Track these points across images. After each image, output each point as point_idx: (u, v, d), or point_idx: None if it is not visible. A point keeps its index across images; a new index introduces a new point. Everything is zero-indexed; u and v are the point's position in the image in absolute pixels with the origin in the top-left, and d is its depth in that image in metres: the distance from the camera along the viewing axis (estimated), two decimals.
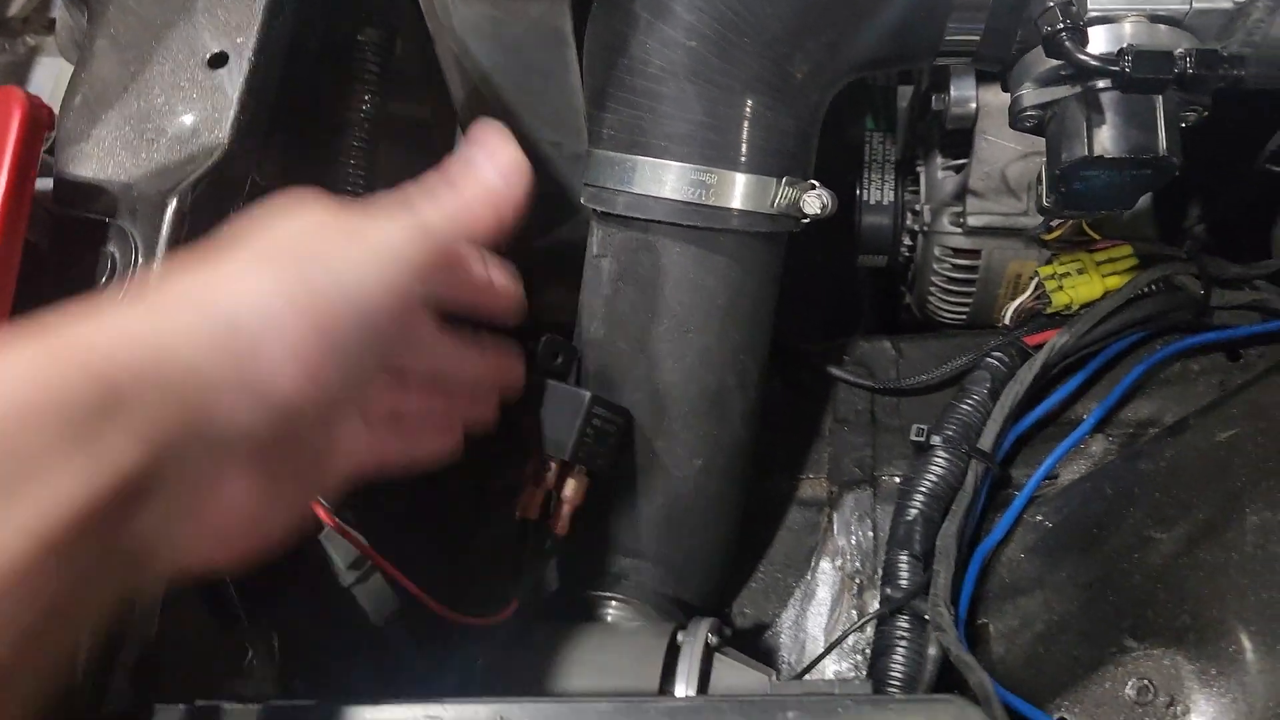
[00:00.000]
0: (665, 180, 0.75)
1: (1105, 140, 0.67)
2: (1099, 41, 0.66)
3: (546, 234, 1.07)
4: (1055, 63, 0.68)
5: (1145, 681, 0.63)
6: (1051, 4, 0.64)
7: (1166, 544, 0.71)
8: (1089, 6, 0.66)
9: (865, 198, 1.09)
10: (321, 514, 0.68)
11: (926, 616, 0.78)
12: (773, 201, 0.76)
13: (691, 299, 0.77)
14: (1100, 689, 0.65)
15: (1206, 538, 0.69)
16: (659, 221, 0.75)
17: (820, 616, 0.91)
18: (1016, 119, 0.74)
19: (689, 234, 0.76)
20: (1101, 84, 0.66)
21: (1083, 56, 0.63)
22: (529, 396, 0.76)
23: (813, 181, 0.78)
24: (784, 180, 0.76)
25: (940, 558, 0.80)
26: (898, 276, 1.14)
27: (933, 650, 0.77)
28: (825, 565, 0.93)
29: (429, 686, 0.76)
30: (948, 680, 0.78)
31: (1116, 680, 0.65)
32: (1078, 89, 0.68)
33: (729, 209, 0.75)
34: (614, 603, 0.81)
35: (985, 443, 0.88)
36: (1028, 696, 0.70)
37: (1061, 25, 0.63)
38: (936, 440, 0.87)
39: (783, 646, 0.90)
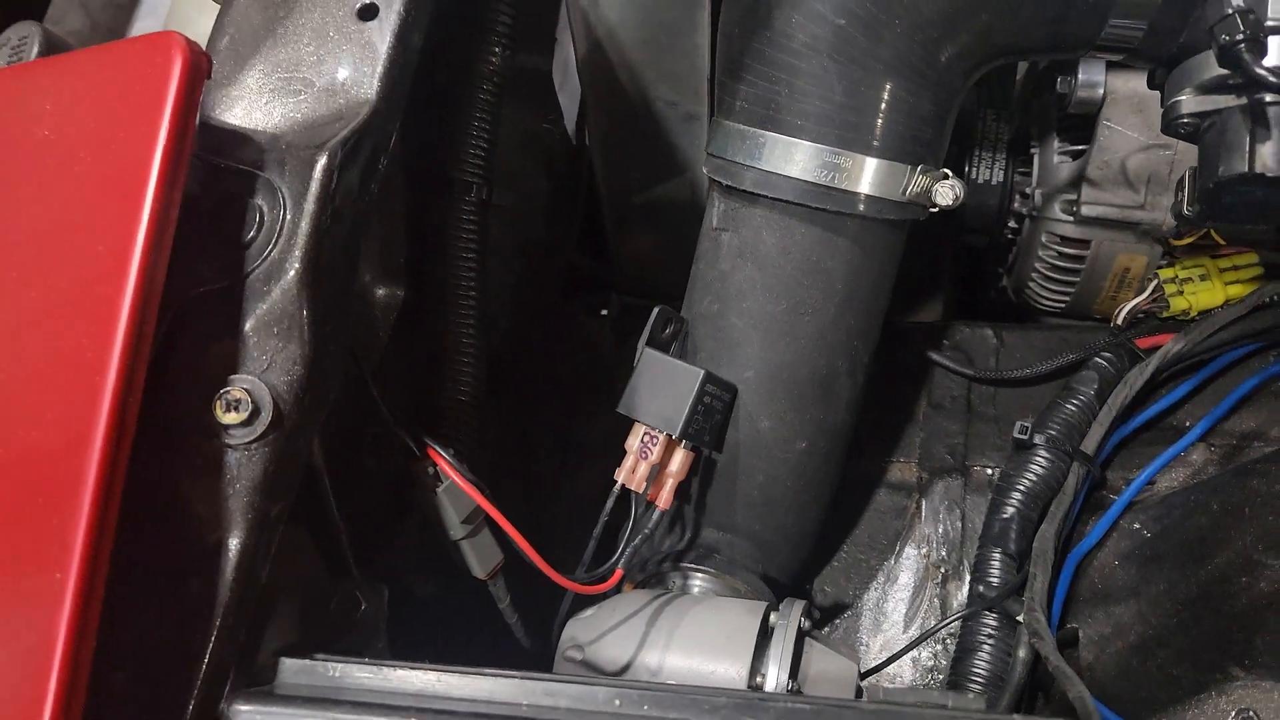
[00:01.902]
0: (796, 159, 0.73)
1: (1269, 158, 0.64)
2: (1275, 53, 0.63)
3: (646, 190, 1.06)
4: (1222, 71, 0.65)
5: (1250, 713, 0.62)
6: (1231, 11, 0.61)
7: (1278, 571, 0.70)
8: (1270, 14, 0.63)
9: (973, 176, 1.06)
10: (445, 466, 0.68)
11: (1018, 618, 0.78)
12: (904, 190, 0.74)
13: (811, 281, 0.75)
14: (1199, 713, 0.65)
15: None
16: (786, 201, 0.74)
17: (901, 602, 0.91)
18: (1170, 124, 0.71)
19: (815, 216, 0.74)
20: (1271, 98, 0.64)
21: (1261, 71, 0.60)
22: (635, 365, 0.76)
23: (945, 170, 0.76)
24: (918, 168, 0.74)
25: (1038, 560, 0.79)
26: (996, 258, 1.12)
27: (1021, 653, 0.77)
28: (910, 551, 0.93)
29: (517, 655, 0.78)
30: (1033, 685, 0.78)
31: (1218, 707, 0.64)
32: (1244, 100, 0.65)
33: (858, 193, 0.74)
34: (703, 576, 0.81)
35: (1089, 445, 0.86)
36: (1119, 709, 0.70)
37: (1241, 35, 0.60)
38: (1039, 439, 0.86)
39: (862, 628, 0.91)
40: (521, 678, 0.53)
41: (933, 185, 0.75)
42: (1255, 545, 0.73)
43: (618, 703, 0.51)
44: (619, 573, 0.71)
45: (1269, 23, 0.63)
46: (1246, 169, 0.65)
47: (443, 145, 0.77)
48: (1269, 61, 0.62)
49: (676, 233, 1.02)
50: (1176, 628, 0.74)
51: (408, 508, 0.72)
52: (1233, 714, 0.64)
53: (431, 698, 0.52)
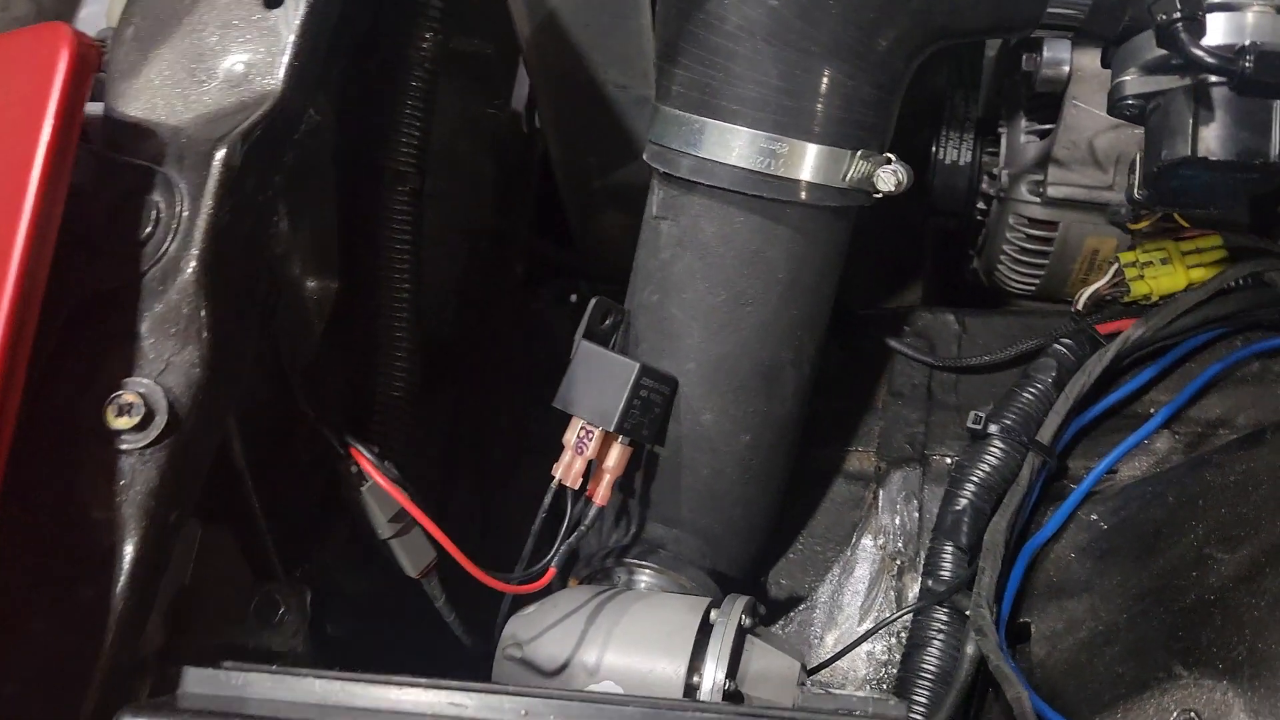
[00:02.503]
0: (733, 146, 0.71)
1: (1211, 141, 0.62)
2: (1217, 32, 0.61)
3: (606, 176, 1.04)
4: (1164, 51, 0.63)
5: (1191, 714, 0.61)
6: None
7: (1228, 565, 0.68)
8: None
9: (941, 157, 1.04)
10: (366, 465, 0.67)
11: (967, 613, 0.76)
12: (845, 175, 0.72)
13: (752, 271, 0.74)
14: (1143, 714, 0.63)
15: (1273, 564, 0.66)
16: (724, 189, 0.72)
17: (857, 595, 0.89)
18: (1115, 106, 0.69)
19: (754, 204, 0.72)
20: (1214, 79, 0.61)
21: (1198, 51, 0.58)
22: (571, 358, 0.74)
23: (889, 155, 0.74)
24: (859, 154, 0.72)
25: (987, 554, 0.78)
26: (967, 241, 1.10)
27: (970, 649, 0.75)
28: (867, 543, 0.91)
29: (459, 651, 0.77)
30: (984, 680, 0.76)
31: (1162, 708, 0.62)
32: (1187, 81, 0.63)
33: (798, 180, 0.72)
34: (648, 572, 0.79)
35: (1045, 435, 0.84)
36: (1065, 709, 0.68)
37: (1177, 14, 0.58)
38: (994, 429, 0.84)
39: (816, 621, 0.89)
40: (427, 686, 0.52)
41: (874, 170, 0.73)
42: (1207, 539, 0.72)
43: (524, 712, 0.50)
44: (551, 571, 0.70)
45: (1209, 0, 0.61)
46: (1189, 152, 0.63)
47: (374, 134, 0.75)
48: (1207, 41, 0.59)
49: (641, 216, 1.00)
50: (1126, 624, 0.72)
51: (338, 506, 0.71)
52: (1175, 713, 0.62)
53: (334, 708, 0.51)
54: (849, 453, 0.94)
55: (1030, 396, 0.86)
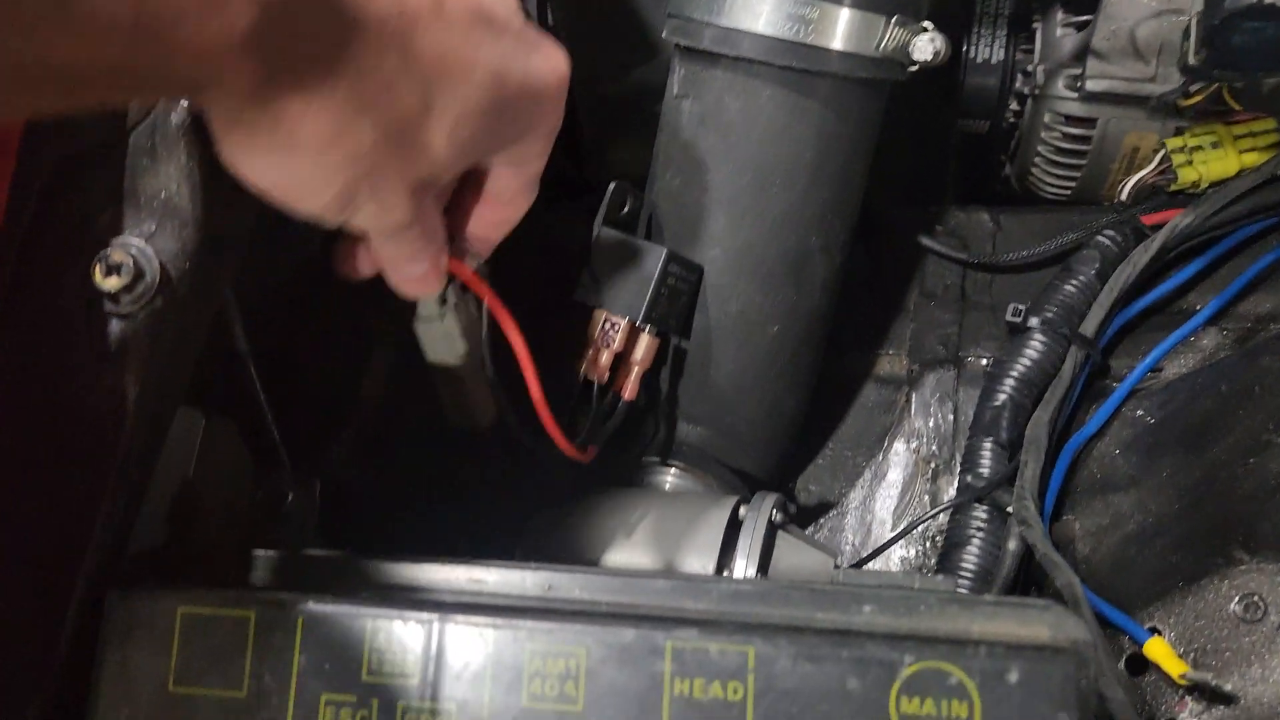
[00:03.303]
0: (760, 12, 0.67)
1: None
2: None
3: (620, 79, 0.99)
4: None
5: (1255, 597, 0.57)
6: None
7: None
8: None
9: (972, 55, 0.98)
10: (466, 274, 0.57)
11: (1008, 509, 0.73)
12: (879, 44, 0.68)
13: (778, 150, 0.69)
14: (1200, 601, 0.60)
15: None
16: (749, 60, 0.68)
17: (890, 500, 0.86)
18: None
19: (782, 76, 0.68)
20: None
21: None
22: (592, 248, 0.70)
23: (925, 23, 0.70)
24: (894, 19, 0.68)
25: (1029, 448, 0.74)
26: (998, 144, 1.05)
27: (1012, 545, 0.72)
28: (899, 447, 0.88)
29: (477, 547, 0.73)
30: (1025, 578, 0.73)
31: (1220, 593, 0.59)
32: None
33: (828, 49, 0.67)
34: (673, 470, 0.76)
35: (1088, 328, 0.80)
36: (1115, 602, 0.65)
37: None
38: (1034, 322, 0.80)
39: (848, 528, 0.86)
40: (448, 563, 0.49)
41: (911, 39, 0.69)
42: (1266, 424, 0.68)
43: (549, 587, 0.47)
44: (593, 449, 0.65)
45: None
46: None
47: None
48: None
49: (653, 123, 0.96)
50: (1177, 515, 0.69)
51: (349, 401, 0.68)
52: (1236, 599, 0.58)
53: (331, 578, 0.48)
54: (879, 356, 0.91)
55: (1072, 289, 0.82)
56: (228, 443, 0.61)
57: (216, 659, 0.43)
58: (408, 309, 0.67)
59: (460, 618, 0.43)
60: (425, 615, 0.43)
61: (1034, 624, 0.44)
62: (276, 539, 0.56)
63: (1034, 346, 0.79)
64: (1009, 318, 0.80)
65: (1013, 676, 0.40)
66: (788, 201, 0.70)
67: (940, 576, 0.50)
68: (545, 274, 0.96)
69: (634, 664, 0.41)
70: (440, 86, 0.43)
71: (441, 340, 0.59)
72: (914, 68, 0.70)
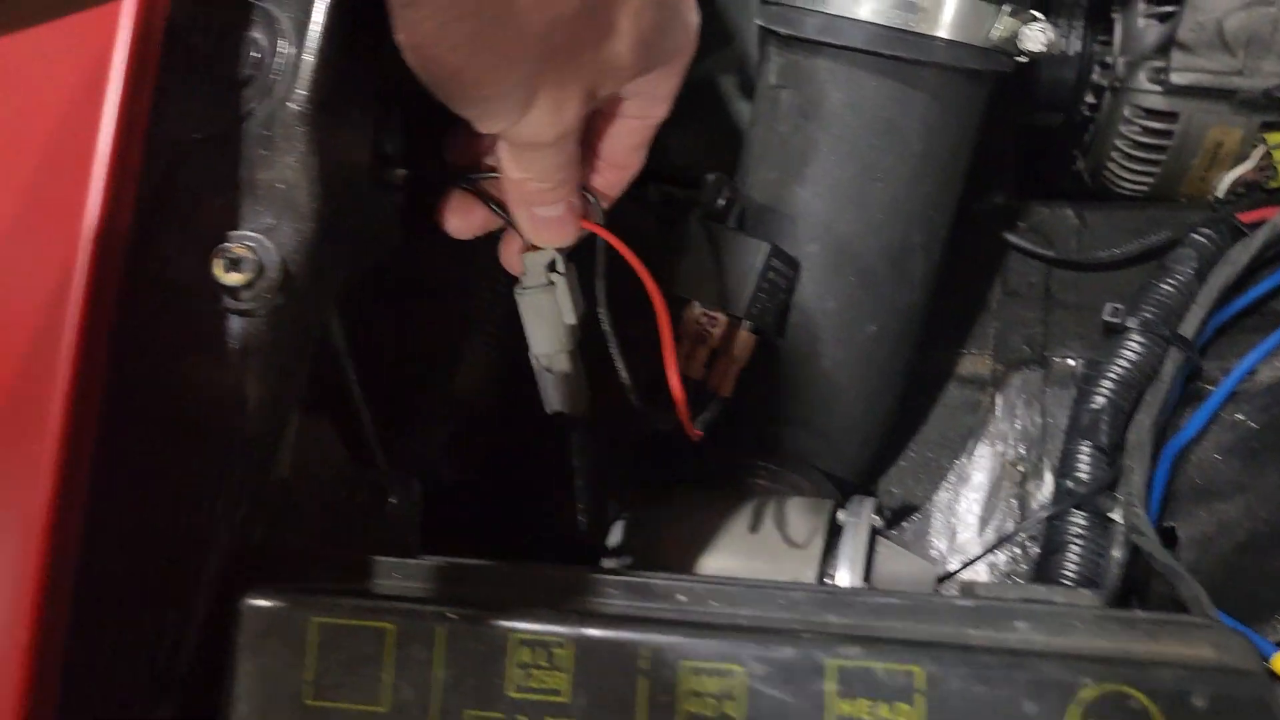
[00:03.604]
0: (864, 0, 0.64)
1: None
2: None
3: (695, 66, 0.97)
4: None
5: None
6: None
7: None
8: None
9: None
10: (595, 229, 0.54)
11: (1112, 515, 0.71)
12: (989, 33, 0.66)
13: (883, 142, 0.67)
14: None
15: None
16: (854, 49, 0.65)
17: (975, 503, 0.84)
18: None
19: (887, 66, 0.66)
20: None
21: None
22: (687, 241, 0.68)
23: (1035, 12, 0.67)
24: (1005, 8, 0.65)
25: (1133, 453, 0.72)
26: (1071, 139, 1.03)
27: (1116, 552, 0.69)
28: (984, 449, 0.85)
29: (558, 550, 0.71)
30: (1126, 588, 0.71)
31: None
32: None
33: (937, 38, 0.65)
34: (765, 471, 0.74)
35: (1187, 329, 0.78)
36: (1231, 613, 0.63)
37: None
38: (1132, 323, 0.78)
39: (932, 531, 0.84)
40: (571, 571, 0.47)
41: (1021, 28, 0.66)
42: None
43: (681, 598, 0.45)
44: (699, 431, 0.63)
45: None
46: None
47: None
48: None
49: (718, 113, 0.93)
50: None
51: (442, 397, 0.66)
52: None
53: (464, 587, 0.46)
54: (962, 355, 0.88)
55: (1170, 288, 0.79)
56: (323, 441, 0.59)
57: (354, 672, 0.41)
58: (503, 285, 0.64)
59: (608, 630, 0.41)
60: (570, 628, 0.41)
61: (1198, 644, 0.42)
62: (381, 541, 0.54)
63: (1132, 348, 0.77)
64: (1107, 317, 0.78)
65: (1199, 701, 0.38)
66: (891, 195, 0.68)
67: (1085, 591, 0.47)
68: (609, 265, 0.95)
69: (795, 683, 0.39)
70: None
71: (547, 313, 0.56)
72: (1022, 58, 0.68)
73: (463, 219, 0.54)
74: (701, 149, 1.02)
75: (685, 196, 0.96)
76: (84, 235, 0.41)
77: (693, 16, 0.49)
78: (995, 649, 0.40)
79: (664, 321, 0.55)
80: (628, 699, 0.40)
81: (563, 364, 0.57)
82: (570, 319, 0.56)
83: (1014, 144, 1.13)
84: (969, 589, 0.51)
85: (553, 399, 0.58)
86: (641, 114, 0.51)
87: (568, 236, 0.51)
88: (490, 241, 0.56)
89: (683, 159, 1.03)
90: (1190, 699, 0.38)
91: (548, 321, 0.56)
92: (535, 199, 0.49)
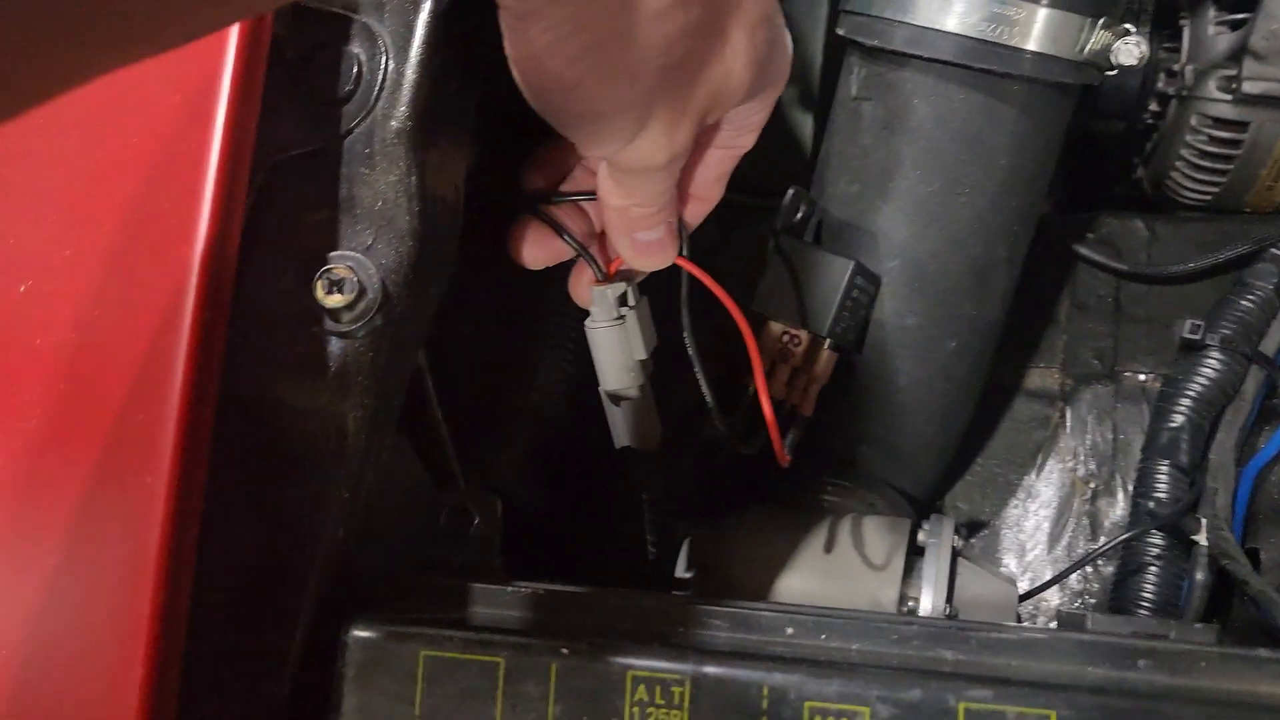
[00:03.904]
0: (955, 10, 0.63)
1: None
2: None
3: None
4: None
5: None
6: None
7: None
8: None
9: None
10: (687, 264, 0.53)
11: (1194, 538, 0.69)
12: (1081, 46, 0.64)
13: (970, 155, 0.66)
14: None
15: None
16: (943, 61, 0.64)
17: (1044, 520, 0.83)
18: None
19: (976, 79, 0.64)
20: None
21: None
22: (769, 256, 0.67)
23: (1128, 26, 0.66)
24: (1098, 21, 0.64)
25: (1216, 474, 0.70)
26: (1132, 147, 1.01)
27: (1199, 575, 0.68)
28: (1053, 465, 0.84)
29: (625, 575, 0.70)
30: (1208, 612, 0.69)
31: None
32: None
33: (1027, 51, 0.63)
34: (834, 489, 0.73)
35: (1268, 347, 0.76)
36: None
37: None
38: (1212, 339, 0.76)
39: (1000, 548, 0.83)
40: (676, 600, 0.46)
41: (1114, 41, 0.65)
42: None
43: (790, 630, 0.44)
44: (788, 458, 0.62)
45: None
46: None
47: None
48: None
49: (777, 120, 0.92)
50: None
51: (520, 408, 0.64)
52: None
53: (567, 617, 0.45)
54: (1030, 369, 0.87)
55: (1250, 304, 0.78)
56: (405, 462, 0.59)
57: (464, 707, 0.40)
58: (577, 311, 0.64)
59: (726, 667, 0.40)
60: (688, 665, 0.40)
61: None
62: (466, 564, 0.53)
63: (1212, 365, 0.76)
64: (1186, 334, 0.76)
65: None
66: (977, 210, 0.67)
67: (1199, 625, 0.46)
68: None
69: None
70: None
71: (618, 347, 0.55)
72: (1113, 72, 0.67)
73: (536, 249, 0.52)
74: (759, 155, 1.01)
75: (742, 203, 0.95)
76: (193, 259, 0.40)
77: (790, 44, 0.47)
78: (1128, 691, 0.39)
79: (752, 346, 0.54)
80: None
81: (633, 398, 0.56)
82: (641, 354, 0.55)
83: (1067, 152, 1.12)
84: (1075, 621, 0.49)
85: (622, 434, 0.57)
86: (730, 144, 0.50)
87: (669, 258, 0.50)
88: (561, 267, 0.55)
89: (741, 165, 1.02)
90: None
91: (619, 356, 0.55)
92: (638, 224, 0.48)
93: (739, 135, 0.49)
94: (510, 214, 0.53)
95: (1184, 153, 0.92)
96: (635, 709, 0.39)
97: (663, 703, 0.39)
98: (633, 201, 0.46)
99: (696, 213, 0.53)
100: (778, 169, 0.83)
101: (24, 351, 0.42)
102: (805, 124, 0.94)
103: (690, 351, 0.54)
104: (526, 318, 0.67)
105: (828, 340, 0.65)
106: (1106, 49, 0.65)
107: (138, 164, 0.42)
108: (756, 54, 0.43)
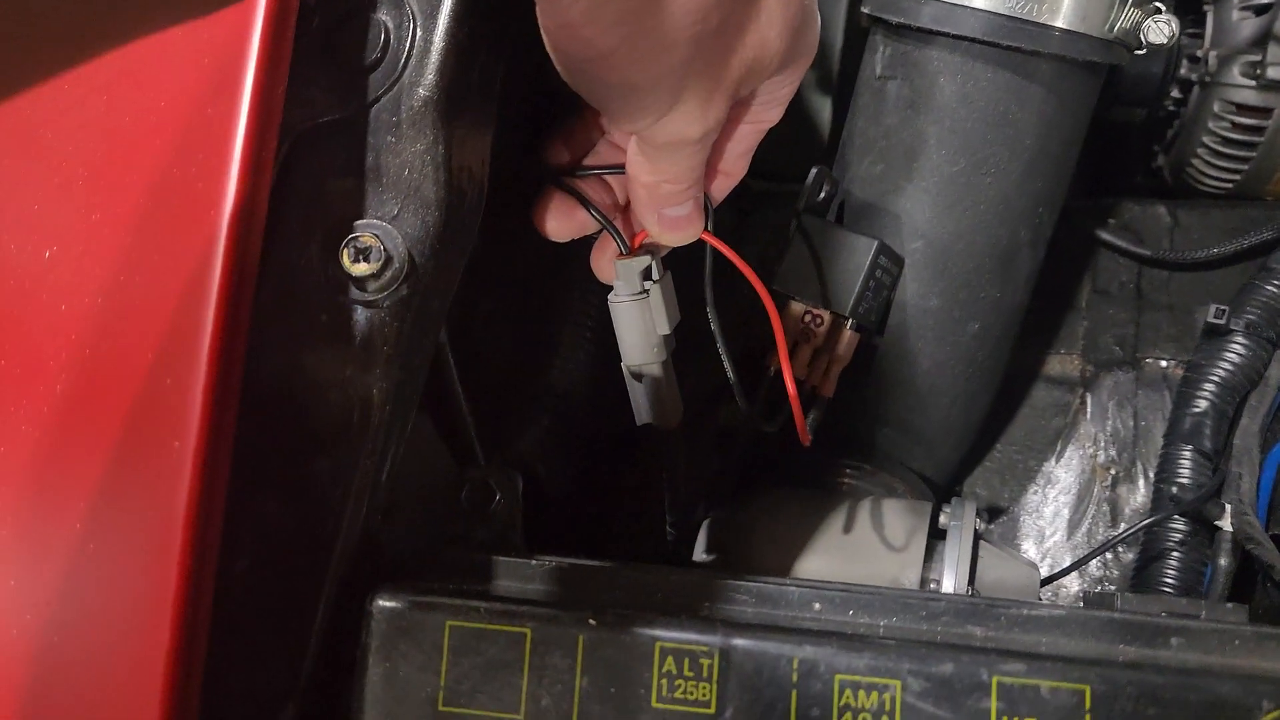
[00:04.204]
0: None
1: None
2: None
3: None
4: None
5: None
6: None
7: None
8: None
9: None
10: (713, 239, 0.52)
11: (1218, 523, 0.69)
12: (1111, 24, 0.63)
13: (996, 135, 0.65)
14: None
15: None
16: (970, 39, 0.63)
17: (1064, 506, 0.82)
18: None
19: (1003, 57, 0.64)
20: None
21: None
22: (791, 235, 0.66)
23: (1159, 4, 0.65)
24: None
25: (1241, 458, 0.70)
26: (1153, 134, 1.00)
27: (1223, 561, 0.68)
28: (1072, 451, 0.83)
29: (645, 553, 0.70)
30: (1232, 597, 0.69)
31: None
32: None
33: (1054, 28, 0.63)
34: (854, 471, 0.73)
35: None
36: None
37: None
38: (1236, 324, 0.76)
39: (1020, 534, 0.82)
40: (702, 575, 0.45)
41: (1145, 19, 0.64)
42: None
43: (817, 606, 0.43)
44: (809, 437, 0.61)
45: None
46: None
47: None
48: None
49: (799, 104, 0.92)
50: None
51: (535, 395, 0.64)
52: None
53: (592, 591, 0.45)
54: (1050, 355, 0.86)
55: (1275, 289, 0.77)
56: (426, 439, 0.58)
57: (490, 678, 0.40)
58: (600, 288, 0.63)
59: (756, 640, 0.39)
60: (718, 638, 0.39)
61: None
62: (487, 540, 0.53)
63: (1236, 350, 0.75)
64: (1211, 319, 0.75)
65: None
66: (1002, 191, 0.66)
67: (1230, 605, 0.46)
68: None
69: (956, 700, 0.38)
70: None
71: (641, 322, 0.54)
72: (1142, 51, 0.66)
73: (562, 222, 0.52)
74: (777, 141, 1.00)
75: (759, 188, 0.94)
76: (220, 225, 0.39)
77: (818, 14, 0.47)
78: (1164, 667, 0.38)
79: (776, 323, 0.54)
80: (778, 712, 0.38)
81: (655, 374, 0.56)
82: (665, 329, 0.55)
83: (1088, 141, 1.11)
84: (1105, 600, 0.49)
85: (643, 410, 0.56)
86: (758, 119, 0.49)
87: (695, 233, 0.50)
88: (583, 244, 0.54)
89: (758, 150, 1.01)
90: None
91: (641, 331, 0.54)
92: (667, 200, 0.47)
93: (767, 109, 0.49)
94: (535, 187, 0.53)
95: (1206, 140, 0.91)
96: (664, 681, 0.39)
97: (691, 675, 0.39)
98: (663, 178, 0.46)
99: (722, 188, 0.52)
100: (796, 153, 0.82)
101: (50, 316, 0.41)
102: (824, 108, 0.94)
103: (714, 327, 0.54)
104: (549, 296, 0.66)
105: (850, 320, 0.64)
106: (1136, 27, 0.64)
107: (165, 129, 0.41)
108: (791, 22, 0.43)
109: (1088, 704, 0.37)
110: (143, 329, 0.39)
